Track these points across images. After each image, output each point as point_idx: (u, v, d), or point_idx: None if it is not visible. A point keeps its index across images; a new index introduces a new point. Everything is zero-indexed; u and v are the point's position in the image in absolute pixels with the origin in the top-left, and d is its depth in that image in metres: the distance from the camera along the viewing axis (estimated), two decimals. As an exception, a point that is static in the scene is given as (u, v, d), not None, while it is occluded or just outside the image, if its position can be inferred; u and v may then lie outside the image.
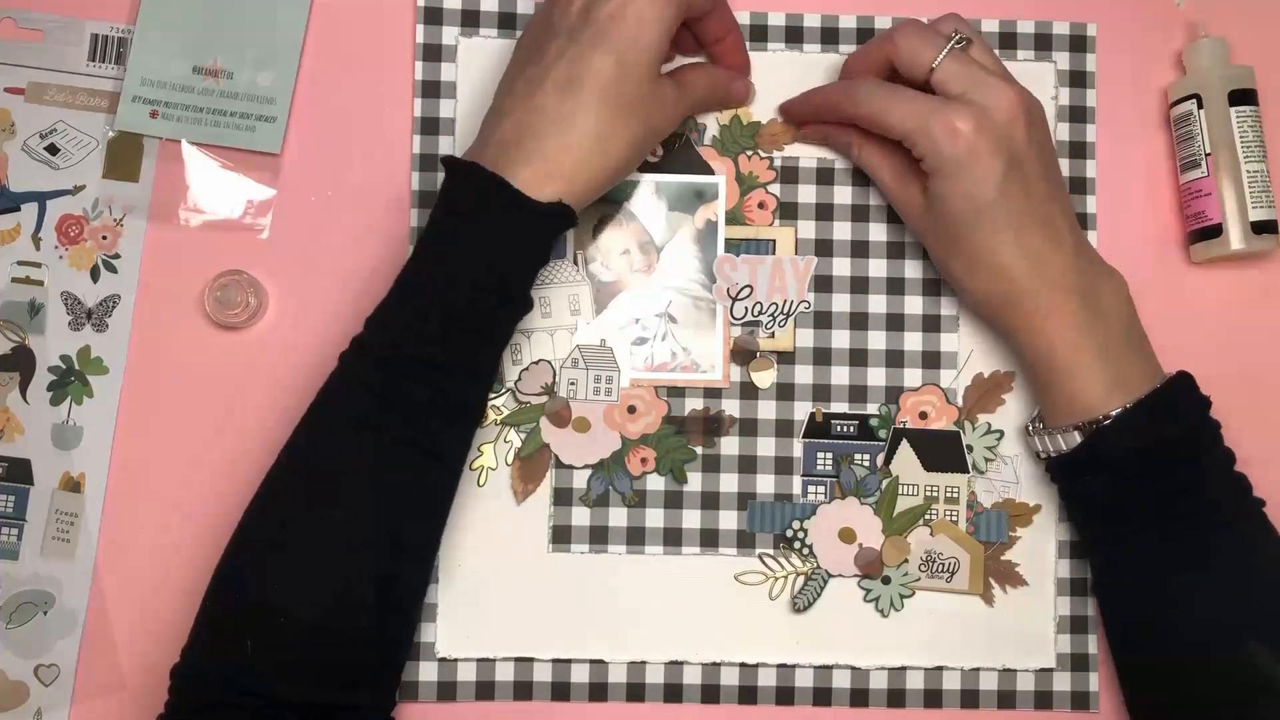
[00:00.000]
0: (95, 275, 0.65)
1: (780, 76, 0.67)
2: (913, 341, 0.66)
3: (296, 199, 0.66)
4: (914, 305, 0.66)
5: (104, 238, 0.65)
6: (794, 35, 0.67)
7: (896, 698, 0.65)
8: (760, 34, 0.67)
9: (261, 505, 0.58)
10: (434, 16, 0.66)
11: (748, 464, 0.66)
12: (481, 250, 0.57)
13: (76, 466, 0.64)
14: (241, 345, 0.65)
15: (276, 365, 0.65)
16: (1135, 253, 0.67)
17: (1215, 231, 0.65)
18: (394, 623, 0.58)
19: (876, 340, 0.66)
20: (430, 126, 0.66)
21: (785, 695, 0.65)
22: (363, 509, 0.57)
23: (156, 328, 0.65)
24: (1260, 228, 0.65)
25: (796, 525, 0.65)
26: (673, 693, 0.65)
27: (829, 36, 0.67)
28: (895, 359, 0.66)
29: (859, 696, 0.65)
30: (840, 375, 0.66)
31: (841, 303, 0.66)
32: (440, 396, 0.57)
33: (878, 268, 0.66)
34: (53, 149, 0.65)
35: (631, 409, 0.65)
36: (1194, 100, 0.65)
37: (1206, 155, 0.65)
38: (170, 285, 0.65)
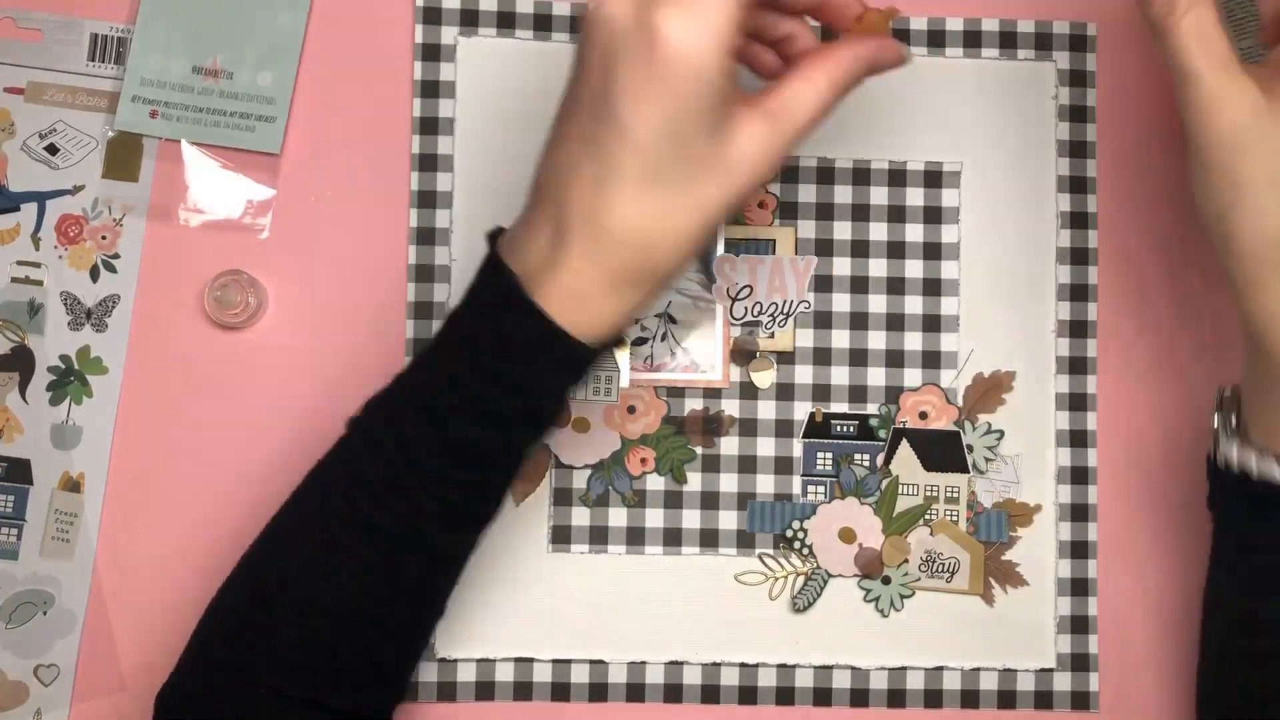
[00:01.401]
0: (95, 275, 0.65)
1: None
2: (913, 341, 0.66)
3: (296, 199, 0.66)
4: (914, 305, 0.66)
5: (104, 238, 0.65)
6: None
7: (896, 698, 0.65)
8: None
9: (246, 576, 0.55)
10: (433, 16, 0.66)
11: (747, 464, 0.66)
12: (508, 377, 0.49)
13: (76, 466, 0.64)
14: (241, 345, 0.65)
15: (276, 365, 0.65)
16: (1140, 246, 0.67)
17: None
18: (374, 696, 0.55)
19: (876, 340, 0.66)
20: (430, 126, 0.66)
21: (785, 695, 0.65)
22: (349, 597, 0.52)
23: (156, 328, 0.65)
24: None
25: (796, 525, 0.65)
26: (672, 693, 0.65)
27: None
28: (895, 359, 0.66)
29: (859, 696, 0.65)
30: (840, 375, 0.66)
31: (841, 303, 0.66)
32: (448, 508, 0.52)
33: (878, 267, 0.66)
34: (52, 149, 0.65)
35: (631, 409, 0.65)
36: None
37: None
38: (170, 285, 0.65)
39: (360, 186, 0.66)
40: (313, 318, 0.65)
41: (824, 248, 0.66)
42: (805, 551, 0.65)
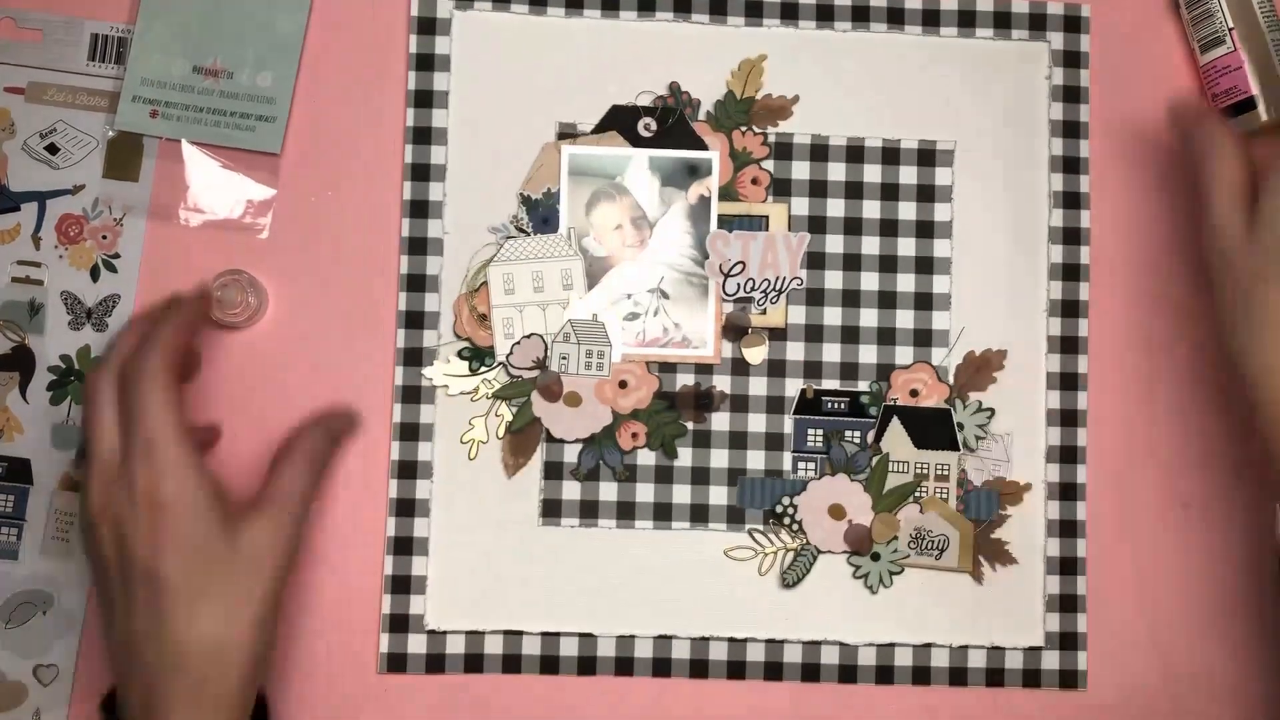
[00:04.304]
0: (95, 275, 0.65)
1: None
2: (904, 319, 0.66)
3: (296, 199, 0.66)
4: (906, 283, 0.66)
5: (104, 237, 0.65)
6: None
7: (885, 674, 0.65)
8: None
9: None
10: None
11: (738, 440, 0.66)
12: None
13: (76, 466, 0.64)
14: (241, 345, 0.65)
15: (276, 365, 0.65)
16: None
17: (1248, 105, 0.65)
18: None
19: (868, 317, 0.66)
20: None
21: (773, 670, 0.65)
22: None
23: None
24: None
25: (786, 501, 0.65)
26: (661, 667, 0.65)
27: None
28: (887, 336, 0.66)
29: (847, 673, 0.65)
30: (832, 352, 0.66)
31: (834, 279, 0.66)
32: None
33: (870, 245, 0.66)
34: (52, 148, 0.65)
35: (623, 384, 0.66)
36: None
37: (1230, 29, 0.65)
38: (170, 285, 0.65)
39: (360, 186, 0.66)
40: (312, 318, 0.65)
41: (817, 225, 0.66)
42: (795, 527, 0.65)
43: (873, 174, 0.67)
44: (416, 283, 0.65)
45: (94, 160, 0.65)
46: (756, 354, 0.66)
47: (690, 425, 0.66)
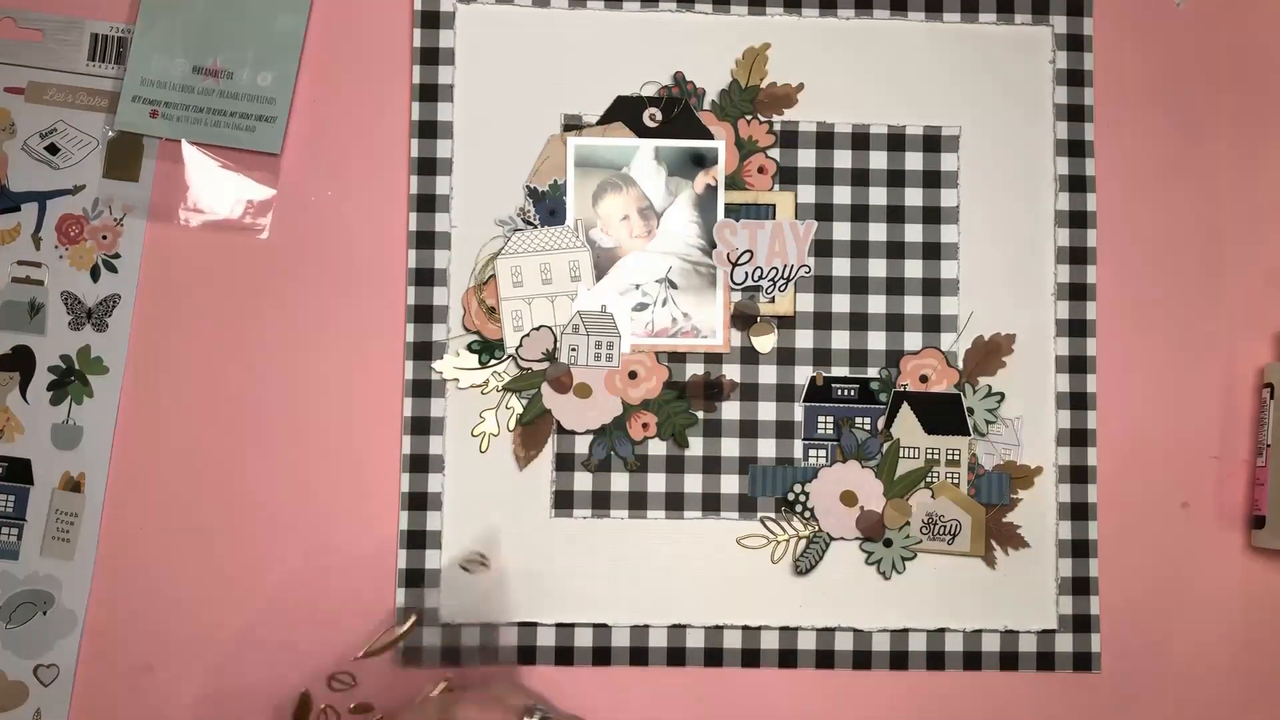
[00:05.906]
0: (95, 275, 0.65)
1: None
2: (913, 305, 0.66)
3: (296, 199, 0.66)
4: (914, 269, 0.66)
5: (104, 237, 0.65)
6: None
7: (899, 659, 0.65)
8: None
9: None
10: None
11: (749, 428, 0.66)
12: None
13: (76, 466, 0.64)
14: (242, 345, 0.65)
15: (276, 366, 0.65)
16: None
17: (1261, 523, 0.65)
18: None
19: (877, 304, 0.66)
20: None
21: (788, 658, 0.65)
22: None
23: (156, 328, 0.65)
24: None
25: (798, 489, 0.66)
26: (675, 656, 0.65)
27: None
28: (895, 323, 0.66)
29: (861, 659, 0.65)
30: (841, 339, 0.66)
31: (841, 267, 0.66)
32: None
33: (877, 232, 0.66)
34: (53, 149, 0.65)
35: (633, 374, 0.66)
36: (1269, 389, 0.66)
37: (1267, 446, 0.65)
38: (170, 285, 0.65)
39: (360, 186, 0.66)
40: (312, 318, 0.65)
41: (824, 212, 0.66)
42: (807, 515, 0.65)
43: (878, 160, 0.67)
44: (425, 277, 0.65)
45: (94, 160, 0.65)
46: (765, 342, 0.66)
47: (700, 414, 0.66)
